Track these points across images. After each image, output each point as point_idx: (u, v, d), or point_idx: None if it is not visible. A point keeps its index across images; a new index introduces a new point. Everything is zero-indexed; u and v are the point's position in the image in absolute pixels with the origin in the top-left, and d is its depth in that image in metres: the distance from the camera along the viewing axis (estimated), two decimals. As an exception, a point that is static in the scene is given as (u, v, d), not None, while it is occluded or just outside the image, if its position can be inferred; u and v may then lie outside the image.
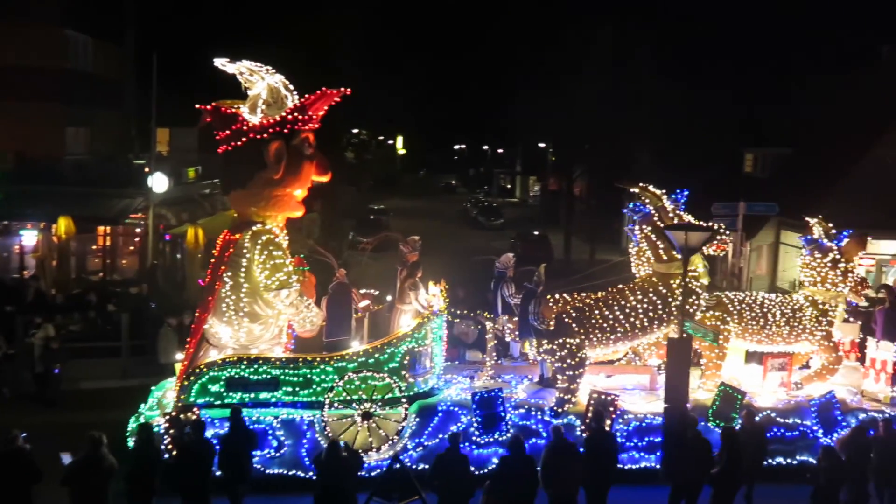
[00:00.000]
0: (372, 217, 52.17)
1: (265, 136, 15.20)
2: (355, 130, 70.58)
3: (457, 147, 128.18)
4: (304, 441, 15.12)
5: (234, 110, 15.42)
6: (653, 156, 47.41)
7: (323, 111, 15.82)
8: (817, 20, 41.95)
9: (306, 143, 15.60)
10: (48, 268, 28.61)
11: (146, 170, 30.07)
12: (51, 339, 19.88)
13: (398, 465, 12.99)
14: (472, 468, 13.47)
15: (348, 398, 15.21)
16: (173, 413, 14.79)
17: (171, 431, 14.42)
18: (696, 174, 36.88)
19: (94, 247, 32.41)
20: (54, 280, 27.24)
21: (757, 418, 15.29)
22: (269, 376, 15.22)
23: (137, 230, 31.79)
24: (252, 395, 15.19)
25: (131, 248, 33.10)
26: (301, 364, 15.40)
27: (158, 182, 28.66)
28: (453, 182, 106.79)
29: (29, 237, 29.70)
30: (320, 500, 12.56)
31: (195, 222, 28.89)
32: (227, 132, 15.42)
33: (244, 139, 15.26)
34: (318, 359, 15.57)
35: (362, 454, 14.41)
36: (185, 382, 15.18)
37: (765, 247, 35.06)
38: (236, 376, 15.15)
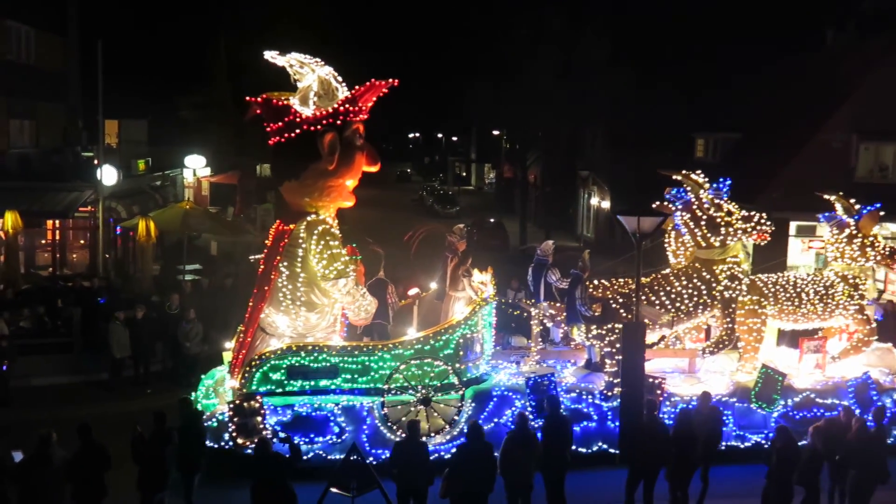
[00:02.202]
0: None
1: (319, 127, 15.33)
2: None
3: (411, 135, 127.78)
4: (365, 427, 15.42)
5: (284, 102, 15.46)
6: (605, 141, 47.75)
7: (371, 102, 15.89)
8: (767, 4, 42.56)
9: (357, 133, 15.76)
10: (-5, 263, 28.06)
11: (95, 162, 29.55)
12: (2, 336, 19.53)
13: (355, 455, 12.92)
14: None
15: (406, 384, 15.53)
16: (237, 401, 14.89)
17: (236, 419, 14.66)
18: (648, 159, 37.21)
19: (44, 241, 31.83)
20: (2, 276, 26.67)
21: (713, 401, 15.50)
22: (328, 364, 15.50)
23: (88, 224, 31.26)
24: (312, 383, 15.46)
25: (82, 241, 32.54)
26: (359, 352, 15.71)
27: (107, 175, 28.18)
28: (408, 170, 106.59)
29: (-26, 232, 29.09)
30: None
31: (146, 215, 28.44)
32: (279, 124, 15.51)
33: (297, 131, 15.37)
34: (376, 347, 15.88)
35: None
36: (247, 371, 15.29)
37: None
38: (297, 365, 15.42)
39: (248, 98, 15.86)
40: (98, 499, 12.49)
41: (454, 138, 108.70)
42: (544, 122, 47.42)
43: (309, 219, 15.68)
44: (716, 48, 42.47)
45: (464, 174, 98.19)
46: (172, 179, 42.29)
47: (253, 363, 15.44)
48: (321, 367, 15.50)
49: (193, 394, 16.63)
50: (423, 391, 15.61)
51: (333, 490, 12.62)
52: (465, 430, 13.80)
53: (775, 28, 42.74)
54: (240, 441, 14.59)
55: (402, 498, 13.10)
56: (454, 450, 14.05)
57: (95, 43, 28.65)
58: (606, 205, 46.63)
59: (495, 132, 72.35)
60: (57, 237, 31.62)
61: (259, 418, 14.75)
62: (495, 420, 15.82)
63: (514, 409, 15.81)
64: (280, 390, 15.39)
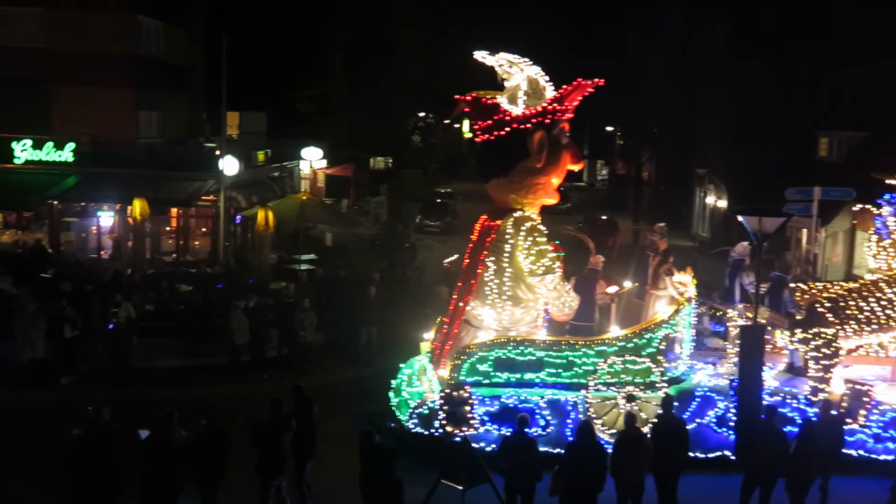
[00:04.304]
0: (438, 200, 52.19)
1: (528, 125, 15.74)
2: (422, 114, 70.55)
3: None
4: (569, 421, 15.59)
5: (492, 101, 15.92)
6: (723, 139, 46.54)
7: (577, 101, 16.16)
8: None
9: (563, 132, 16.11)
10: (124, 248, 29.27)
11: (217, 153, 30.48)
12: (131, 318, 20.36)
13: (466, 447, 12.96)
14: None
15: (611, 381, 15.68)
16: (446, 390, 15.32)
17: (445, 408, 15.04)
18: (768, 158, 36.11)
19: (168, 228, 33.04)
20: (130, 260, 27.83)
21: (833, 412, 14.97)
22: (533, 358, 15.80)
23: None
24: (518, 376, 15.78)
25: (203, 229, 33.63)
26: (564, 347, 15.95)
27: (229, 165, 29.01)
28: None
29: (105, 218, 30.40)
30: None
31: (265, 205, 29.21)
32: (488, 122, 15.97)
33: (507, 129, 15.78)
34: (580, 342, 16.06)
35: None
36: (456, 362, 15.79)
37: (840, 233, 34.19)
38: (503, 357, 15.78)
39: (456, 96, 16.38)
40: (217, 480, 12.80)
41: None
42: (659, 119, 46.58)
43: (516, 215, 16.08)
44: (843, 44, 40.83)
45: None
46: (290, 171, 43.30)
47: (462, 354, 15.88)
48: (527, 360, 15.80)
49: (393, 381, 17.20)
50: (628, 388, 15.64)
51: (445, 482, 12.69)
52: (576, 429, 13.66)
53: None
54: (449, 429, 14.87)
55: (510, 493, 13.07)
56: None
57: (219, 37, 29.52)
58: (723, 203, 45.48)
59: (608, 128, 71.46)
60: (180, 224, 32.78)
61: (467, 408, 15.07)
62: (697, 420, 15.69)
63: (716, 410, 15.72)
64: (487, 381, 15.77)
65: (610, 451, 13.21)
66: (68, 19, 32.74)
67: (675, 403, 14.75)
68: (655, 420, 14.16)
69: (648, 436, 13.58)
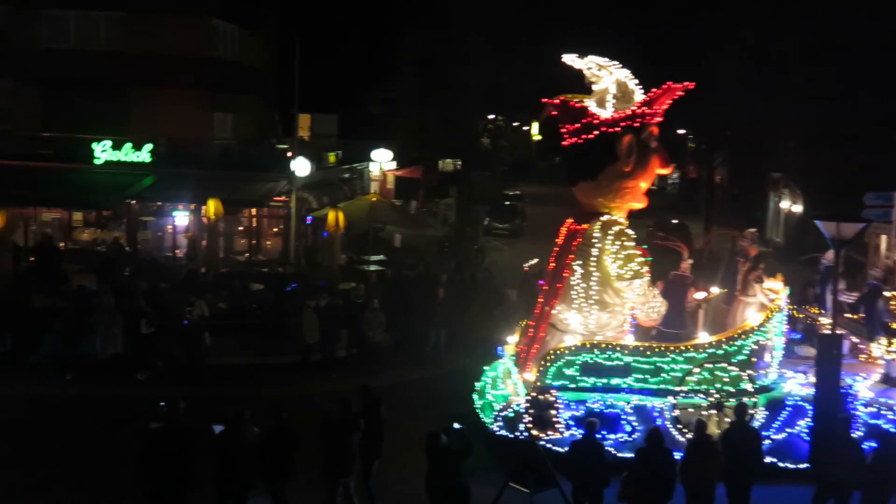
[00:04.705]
0: (507, 203, 52.10)
1: (617, 129, 15.74)
2: (491, 116, 70.54)
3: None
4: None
5: (580, 104, 15.95)
6: (799, 143, 45.53)
7: (667, 105, 16.19)
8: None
9: (652, 136, 16.09)
10: (198, 247, 29.86)
11: (289, 154, 30.89)
12: (204, 315, 20.77)
13: (535, 451, 12.92)
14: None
15: (699, 388, 15.53)
16: (532, 394, 15.39)
17: (531, 411, 15.12)
18: (845, 163, 35.21)
19: (241, 228, 33.60)
20: (204, 259, 28.38)
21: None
22: (621, 363, 15.69)
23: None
24: (605, 381, 15.66)
25: (275, 229, 34.12)
26: (651, 352, 15.83)
27: (301, 166, 29.39)
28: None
29: (180, 218, 31.06)
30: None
31: (335, 206, 29.52)
32: (576, 125, 16.00)
33: (595, 132, 15.80)
34: (668, 348, 15.92)
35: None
36: (542, 365, 15.80)
37: (921, 239, 33.17)
38: (590, 361, 15.68)
39: (543, 100, 16.40)
40: (286, 478, 12.96)
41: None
42: (732, 122, 45.76)
43: (603, 219, 16.04)
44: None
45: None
46: (360, 172, 43.67)
47: (548, 358, 15.84)
48: (614, 365, 15.67)
49: (478, 384, 17.25)
50: (716, 396, 15.44)
51: (512, 485, 12.67)
52: (646, 435, 13.52)
53: None
54: (535, 432, 14.90)
55: (578, 498, 12.99)
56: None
57: (292, 40, 29.94)
58: (798, 208, 44.51)
59: (680, 131, 70.48)
60: (253, 224, 33.32)
61: (553, 411, 15.11)
62: (787, 430, 15.45)
63: (807, 420, 15.38)
64: (573, 385, 15.69)
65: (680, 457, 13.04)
66: (147, 23, 33.57)
67: (750, 412, 14.50)
68: (728, 427, 13.93)
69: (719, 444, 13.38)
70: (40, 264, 26.93)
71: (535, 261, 23.05)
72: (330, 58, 46.19)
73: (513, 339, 17.99)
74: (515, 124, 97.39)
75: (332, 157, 38.05)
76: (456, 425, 13.26)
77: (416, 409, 18.01)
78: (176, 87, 33.97)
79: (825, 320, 17.34)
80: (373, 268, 28.00)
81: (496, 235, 43.92)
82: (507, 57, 47.54)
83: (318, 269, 27.34)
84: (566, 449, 13.96)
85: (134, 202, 30.91)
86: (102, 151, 30.73)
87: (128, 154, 30.73)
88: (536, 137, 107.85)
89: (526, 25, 50.46)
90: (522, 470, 12.80)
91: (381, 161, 44.99)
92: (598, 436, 14.13)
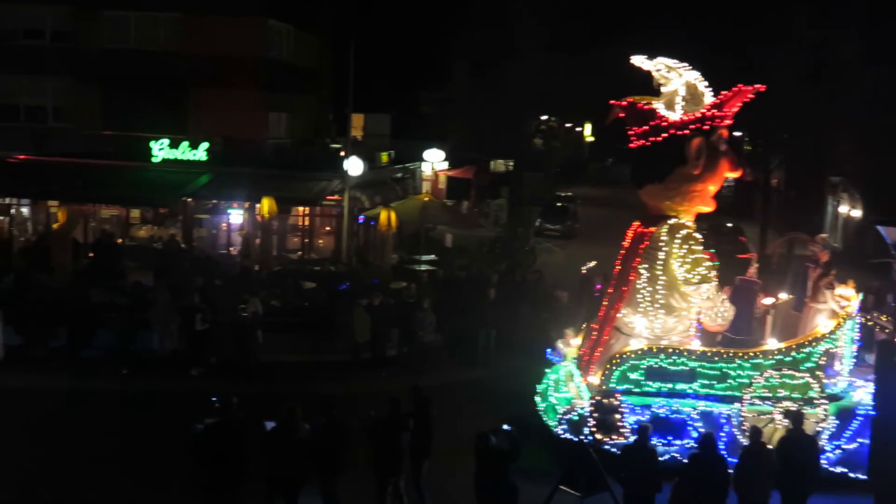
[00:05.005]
0: (559, 204, 51.84)
1: (686, 132, 15.60)
2: (544, 117, 70.19)
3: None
4: (722, 434, 15.25)
5: (648, 106, 15.86)
6: (859, 147, 44.60)
7: (737, 107, 16.06)
8: None
9: (721, 139, 15.92)
10: (252, 245, 30.19)
11: (342, 154, 31.08)
12: (257, 313, 20.98)
13: (586, 454, 12.83)
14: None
15: (766, 395, 15.33)
16: (597, 397, 15.36)
17: (595, 415, 15.09)
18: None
19: (294, 226, 33.89)
20: (257, 257, 28.68)
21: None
22: (686, 368, 15.55)
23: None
24: (670, 385, 15.52)
25: (327, 228, 34.37)
26: (718, 358, 15.65)
27: (354, 166, 29.52)
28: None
29: (235, 216, 31.42)
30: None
31: (388, 205, 29.62)
32: (644, 128, 15.90)
33: (663, 135, 15.67)
34: (734, 354, 15.73)
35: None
36: (607, 369, 15.70)
37: None
38: (655, 366, 15.55)
39: (611, 101, 16.26)
40: (336, 476, 13.04)
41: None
42: (790, 125, 44.98)
43: (671, 222, 15.89)
44: None
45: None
46: (412, 172, 43.79)
47: (613, 361, 15.72)
48: (679, 370, 15.52)
49: (539, 386, 17.16)
50: (785, 403, 15.17)
51: (563, 488, 12.60)
52: (699, 441, 13.36)
53: None
54: (599, 436, 14.84)
55: (629, 503, 12.87)
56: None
57: (346, 40, 30.10)
58: (857, 213, 43.63)
59: (736, 133, 69.51)
60: (306, 223, 33.60)
61: (617, 416, 15.01)
62: (859, 440, 15.13)
63: None
64: (638, 390, 15.55)
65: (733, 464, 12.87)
66: (204, 24, 34.06)
67: (806, 419, 14.23)
68: (784, 434, 13.71)
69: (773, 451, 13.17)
70: (99, 260, 27.50)
71: (592, 263, 22.85)
72: (384, 57, 46.41)
73: (574, 342, 17.82)
74: (568, 125, 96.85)
75: (384, 157, 38.19)
76: (505, 426, 13.26)
77: (466, 409, 18.00)
78: (232, 87, 34.43)
79: (885, 325, 16.94)
80: (424, 268, 28.04)
81: (548, 237, 43.71)
82: (560, 58, 47.29)
83: (369, 269, 27.44)
84: (619, 453, 13.87)
85: (190, 200, 31.33)
86: (160, 150, 31.18)
87: (185, 152, 31.14)
88: (589, 139, 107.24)
89: (580, 26, 50.14)
90: (574, 473, 12.71)
91: (434, 161, 45.07)
92: (657, 440, 14.01)
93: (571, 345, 18.05)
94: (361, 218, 31.83)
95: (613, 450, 14.21)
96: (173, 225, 32.92)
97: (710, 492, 12.40)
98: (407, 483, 13.67)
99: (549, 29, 45.50)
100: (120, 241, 31.13)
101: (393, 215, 27.77)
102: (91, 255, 28.61)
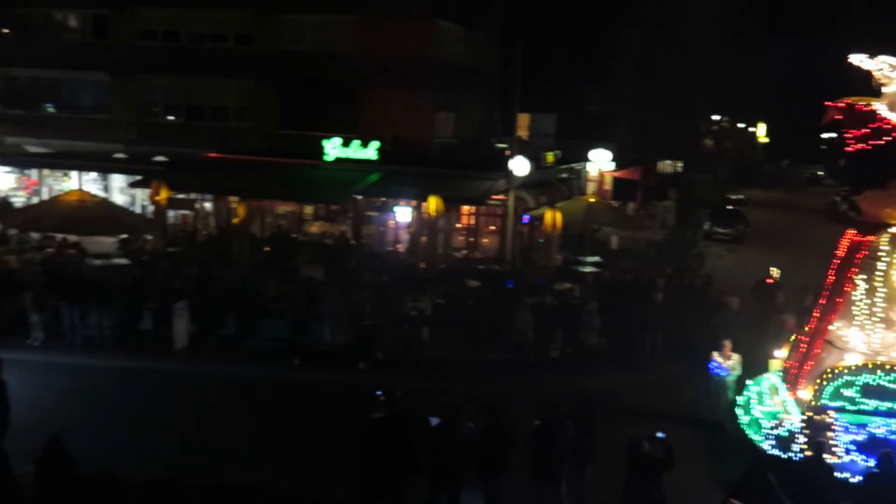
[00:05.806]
0: (729, 207, 50.24)
1: None
2: (716, 117, 68.18)
3: (825, 136, 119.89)
4: None
5: (869, 107, 15.25)
6: None
7: None
8: None
9: None
10: (418, 243, 30.75)
11: (507, 153, 31.19)
12: (422, 310, 21.36)
13: (760, 471, 12.39)
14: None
15: None
16: (808, 413, 14.98)
17: (807, 432, 14.66)
18: None
19: (459, 225, 34.29)
20: (423, 255, 29.19)
21: None
22: None
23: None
24: (889, 405, 14.73)
25: (492, 227, 34.58)
26: None
27: (519, 165, 29.56)
28: (819, 173, 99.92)
29: (402, 214, 32.09)
30: None
31: (553, 206, 29.51)
32: (864, 130, 15.31)
33: (886, 138, 15.07)
34: None
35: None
36: (819, 384, 15.14)
37: None
38: (873, 383, 14.82)
39: (826, 103, 15.63)
40: (499, 474, 13.09)
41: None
42: None
43: (892, 230, 15.23)
44: None
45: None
46: (577, 172, 43.48)
47: (825, 376, 15.11)
48: None
49: (740, 398, 16.69)
50: None
51: (733, 501, 12.21)
52: (878, 458, 12.65)
53: None
54: (809, 454, 14.27)
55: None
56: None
57: (513, 39, 30.16)
58: None
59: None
60: (471, 222, 33.91)
61: (830, 433, 14.41)
62: None
63: None
64: (852, 408, 14.83)
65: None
66: (376, 26, 34.90)
67: None
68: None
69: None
70: (275, 254, 28.71)
71: (776, 271, 22.01)
72: (550, 57, 46.25)
73: (781, 354, 17.14)
74: (741, 126, 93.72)
75: (550, 157, 38.07)
76: (659, 434, 12.95)
77: (629, 414, 17.71)
78: (401, 88, 35.14)
79: None
80: (588, 269, 27.78)
81: (717, 241, 42.46)
82: (733, 57, 45.83)
83: (533, 269, 27.43)
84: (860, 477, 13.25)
85: (360, 197, 32.16)
86: (333, 148, 32.15)
87: (356, 151, 32.00)
88: (763, 139, 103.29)
89: (752, 24, 48.42)
90: (746, 488, 12.29)
91: (600, 161, 44.57)
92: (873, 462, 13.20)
93: (732, 357, 17.42)
94: (526, 218, 31.83)
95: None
96: (344, 222, 33.91)
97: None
98: (568, 487, 13.58)
99: (722, 27, 44.21)
100: (294, 236, 32.36)
101: (558, 215, 27.64)
102: (267, 249, 29.87)
